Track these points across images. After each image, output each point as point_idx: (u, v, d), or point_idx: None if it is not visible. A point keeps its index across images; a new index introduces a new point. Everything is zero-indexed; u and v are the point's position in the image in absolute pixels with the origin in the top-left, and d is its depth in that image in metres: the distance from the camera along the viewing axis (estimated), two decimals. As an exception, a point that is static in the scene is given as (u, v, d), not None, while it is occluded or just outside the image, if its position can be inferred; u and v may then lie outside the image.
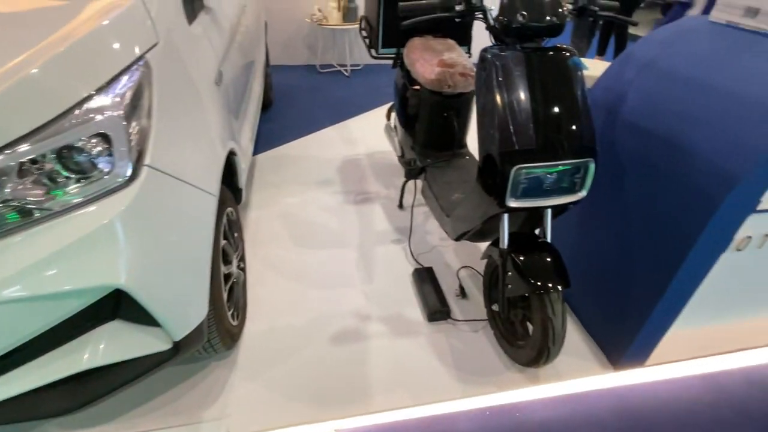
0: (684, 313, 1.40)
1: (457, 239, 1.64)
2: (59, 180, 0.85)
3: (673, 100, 1.29)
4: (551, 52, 1.23)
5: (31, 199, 0.83)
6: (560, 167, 1.21)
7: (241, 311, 1.58)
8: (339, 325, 1.68)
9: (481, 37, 2.29)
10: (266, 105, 3.34)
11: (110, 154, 0.88)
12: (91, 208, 0.87)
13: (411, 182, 2.26)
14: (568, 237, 1.68)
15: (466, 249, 2.10)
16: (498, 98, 1.21)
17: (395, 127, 2.45)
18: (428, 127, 1.96)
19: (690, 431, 1.44)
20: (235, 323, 1.47)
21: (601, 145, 1.44)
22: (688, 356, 1.64)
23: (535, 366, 1.41)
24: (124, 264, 0.87)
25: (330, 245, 2.09)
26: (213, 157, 1.21)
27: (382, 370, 1.52)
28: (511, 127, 1.20)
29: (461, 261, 2.03)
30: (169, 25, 1.19)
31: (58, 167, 0.85)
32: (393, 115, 2.57)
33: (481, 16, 1.28)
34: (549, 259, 1.31)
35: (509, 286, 1.39)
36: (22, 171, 0.82)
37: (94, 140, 0.87)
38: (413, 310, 1.76)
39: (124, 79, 0.95)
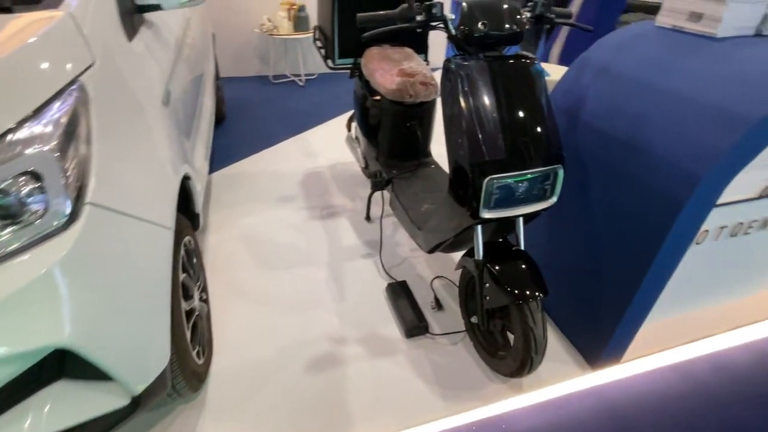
0: (653, 308, 1.44)
1: (430, 252, 1.61)
2: None
3: (630, 103, 1.32)
4: (514, 61, 1.22)
5: None
6: (530, 175, 1.21)
7: (206, 347, 1.47)
8: (313, 351, 1.59)
9: (438, 44, 2.30)
10: (219, 120, 3.19)
11: (43, 194, 0.77)
12: (25, 257, 0.75)
13: (378, 193, 2.22)
14: (538, 241, 1.69)
15: (437, 259, 2.08)
16: (465, 109, 1.19)
17: (357, 138, 2.40)
18: (392, 137, 1.92)
19: (666, 422, 1.48)
20: (200, 362, 1.35)
21: (565, 150, 1.46)
22: (659, 347, 1.69)
23: (519, 376, 1.39)
24: (66, 319, 0.76)
25: (297, 265, 2.00)
26: (165, 186, 1.11)
27: (363, 396, 1.45)
28: (480, 137, 1.18)
29: (434, 271, 2.00)
30: (106, 43, 1.08)
31: None
32: (354, 125, 2.52)
33: (442, 26, 1.25)
34: (525, 268, 1.30)
35: (488, 297, 1.37)
36: None
37: (22, 179, 0.75)
38: (390, 327, 1.71)
39: (56, 105, 0.84)
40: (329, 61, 2.16)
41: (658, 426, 1.44)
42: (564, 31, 3.53)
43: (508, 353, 1.44)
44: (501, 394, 1.48)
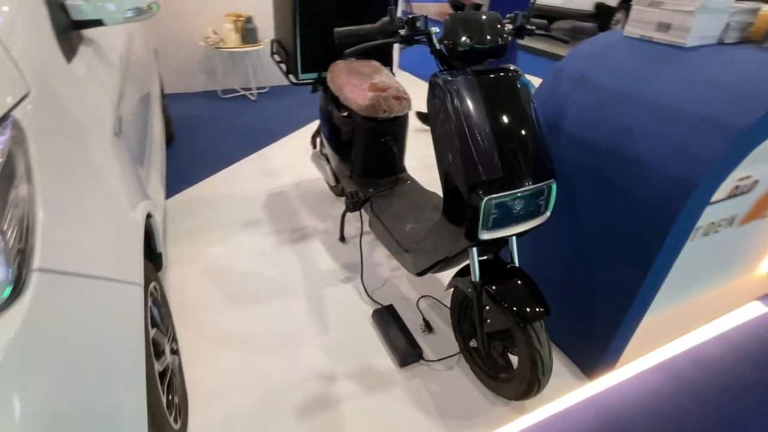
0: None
1: (420, 274, 1.53)
2: None
3: (614, 114, 1.32)
4: (502, 74, 1.18)
5: None
6: (527, 192, 1.16)
7: (182, 407, 1.29)
8: (301, 394, 1.46)
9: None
10: (167, 141, 2.94)
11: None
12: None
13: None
14: (526, 254, 1.66)
15: (420, 278, 2.00)
16: (457, 127, 1.13)
17: (325, 155, 2.28)
18: (366, 155, 1.83)
19: (661, 424, 1.48)
20: (177, 426, 1.18)
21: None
22: (645, 347, 1.72)
23: (525, 399, 1.34)
24: (21, 419, 0.59)
25: (271, 298, 1.84)
26: (128, 233, 0.94)
27: (363, 438, 1.34)
28: (475, 156, 1.12)
29: (417, 291, 1.92)
30: (42, 67, 0.90)
31: None
32: (320, 141, 2.40)
33: (425, 40, 1.19)
34: (525, 287, 1.25)
35: (488, 320, 1.31)
36: None
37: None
38: (381, 357, 1.60)
39: None
40: (291, 77, 2.03)
41: (653, 427, 1.44)
42: None
43: (511, 375, 1.38)
44: (506, 417, 1.42)
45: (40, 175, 0.74)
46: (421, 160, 3.02)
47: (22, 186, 0.70)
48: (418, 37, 1.17)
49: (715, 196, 1.29)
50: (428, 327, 1.71)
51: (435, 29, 1.18)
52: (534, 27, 1.30)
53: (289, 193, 2.62)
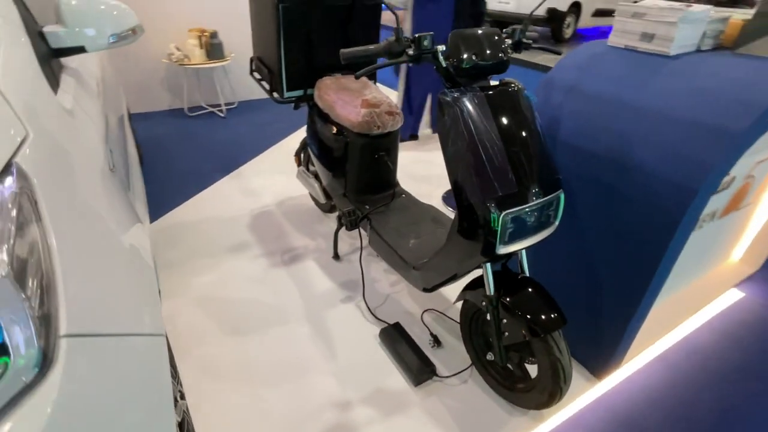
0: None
1: (428, 290, 1.52)
2: None
3: (608, 121, 1.37)
4: (507, 89, 1.19)
5: None
6: (540, 205, 1.17)
7: (196, 455, 1.21)
8: (316, 425, 1.40)
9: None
10: (137, 165, 2.79)
11: (1, 341, 0.53)
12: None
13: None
14: (532, 264, 1.68)
15: (418, 290, 1.98)
16: (470, 144, 1.13)
17: (313, 172, 2.23)
18: (360, 171, 1.80)
19: (665, 416, 1.53)
20: (195, 477, 1.10)
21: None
22: (645, 341, 1.78)
23: (547, 407, 1.35)
24: None
25: (271, 324, 1.77)
26: (144, 280, 0.87)
27: (389, 466, 1.30)
28: (489, 172, 1.12)
29: (420, 304, 1.90)
30: (36, 105, 0.82)
31: None
32: (304, 158, 2.35)
33: (430, 58, 1.18)
34: (540, 297, 1.27)
35: (506, 333, 1.31)
36: None
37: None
38: (394, 377, 1.57)
39: None
40: (276, 95, 1.97)
41: (659, 421, 1.49)
42: None
43: (529, 385, 1.39)
44: (525, 426, 1.43)
45: (54, 227, 0.67)
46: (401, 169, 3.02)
47: (38, 243, 0.63)
48: (424, 56, 1.16)
49: (707, 196, 1.36)
50: (437, 341, 1.70)
51: (441, 47, 1.17)
52: (531, 41, 1.32)
53: (274, 213, 2.54)
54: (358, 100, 1.72)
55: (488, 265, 1.28)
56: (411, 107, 3.44)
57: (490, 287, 1.30)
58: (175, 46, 3.65)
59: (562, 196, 1.24)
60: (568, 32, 8.77)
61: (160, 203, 2.59)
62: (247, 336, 1.71)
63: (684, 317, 1.92)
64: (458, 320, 1.81)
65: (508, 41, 1.28)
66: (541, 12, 8.14)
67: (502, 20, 9.25)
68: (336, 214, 2.51)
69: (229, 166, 3.06)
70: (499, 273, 1.35)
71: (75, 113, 1.02)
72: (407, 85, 3.35)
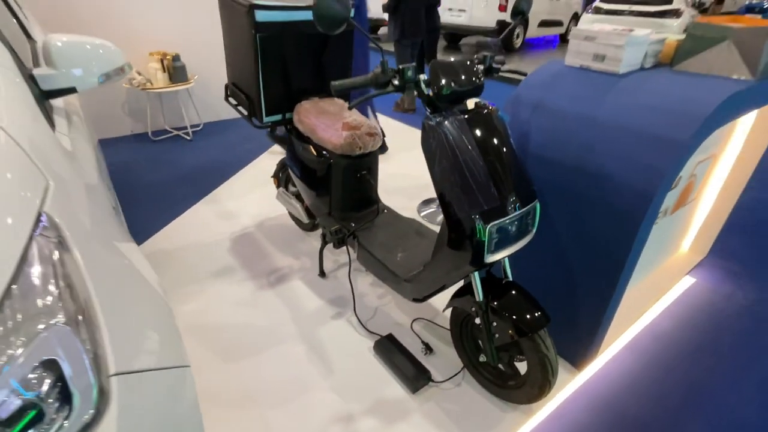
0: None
1: (419, 301, 1.60)
2: None
3: (572, 134, 1.51)
4: (484, 112, 1.30)
5: None
6: (520, 215, 1.29)
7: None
8: (325, 439, 1.45)
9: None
10: (106, 195, 2.72)
11: (63, 383, 0.57)
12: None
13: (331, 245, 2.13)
14: (513, 268, 1.80)
15: (404, 300, 2.07)
16: (454, 164, 1.23)
17: (294, 194, 2.27)
18: (345, 191, 1.87)
19: (640, 398, 1.69)
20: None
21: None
22: (617, 330, 1.94)
23: (538, 400, 1.45)
24: None
25: (265, 347, 1.80)
26: (164, 313, 0.90)
27: (397, 472, 1.36)
28: (474, 188, 1.22)
29: (409, 315, 1.98)
30: (47, 152, 0.85)
31: None
32: (284, 179, 2.39)
33: (414, 87, 1.28)
34: (524, 299, 1.38)
35: (496, 335, 1.42)
36: None
37: (36, 373, 0.54)
38: (391, 387, 1.64)
39: (34, 264, 0.62)
40: (255, 120, 2.02)
41: (634, 401, 1.64)
42: None
43: (520, 381, 1.50)
44: (519, 420, 1.53)
45: (88, 274, 0.70)
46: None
47: (79, 289, 0.66)
48: (409, 85, 1.25)
49: (661, 196, 1.52)
50: (428, 349, 1.78)
51: (423, 76, 1.27)
52: (500, 66, 1.45)
53: (255, 235, 2.55)
54: (339, 123, 1.79)
55: (476, 273, 1.38)
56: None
57: (479, 293, 1.40)
58: (137, 71, 3.58)
59: (538, 206, 1.36)
60: (517, 42, 9.25)
61: (135, 232, 2.54)
62: (244, 361, 1.73)
63: (647, 306, 2.11)
64: (446, 327, 1.91)
65: (481, 67, 1.40)
66: (491, 24, 8.55)
67: (456, 32, 9.64)
68: (318, 232, 2.56)
69: (202, 190, 3.04)
70: (485, 279, 1.45)
71: (76, 154, 1.04)
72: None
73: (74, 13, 3.37)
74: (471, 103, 1.38)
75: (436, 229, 1.81)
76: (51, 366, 0.56)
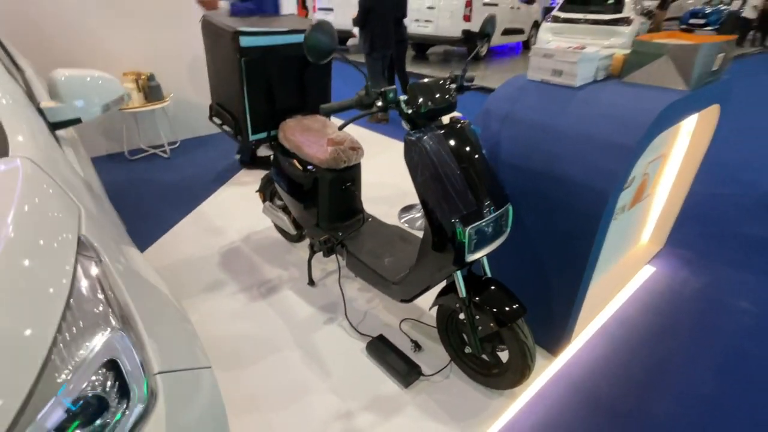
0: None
1: (407, 301, 1.73)
2: None
3: (538, 143, 1.68)
4: (459, 126, 1.45)
5: None
6: (495, 217, 1.44)
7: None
8: (327, 436, 1.54)
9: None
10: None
11: (121, 381, 0.66)
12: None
13: (320, 253, 2.23)
14: (492, 265, 1.95)
15: (393, 303, 2.19)
16: (434, 175, 1.37)
17: (281, 207, 2.37)
18: (331, 202, 1.98)
19: (610, 379, 1.86)
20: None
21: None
22: (586, 317, 2.12)
23: (519, 384, 1.60)
24: None
25: (262, 355, 1.88)
26: (182, 316, 0.99)
27: (396, 460, 1.47)
28: (453, 195, 1.36)
29: (396, 315, 2.10)
30: (68, 178, 0.93)
31: None
32: (269, 193, 2.48)
33: (395, 107, 1.41)
34: (503, 293, 1.52)
35: (480, 327, 1.56)
36: None
37: (100, 373, 0.63)
38: (385, 383, 1.75)
39: (83, 281, 0.72)
40: (240, 138, 2.11)
41: (605, 382, 1.81)
42: None
43: (503, 369, 1.64)
44: (504, 405, 1.67)
45: (125, 286, 0.79)
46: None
47: (121, 301, 0.75)
48: (391, 106, 1.39)
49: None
50: (417, 346, 1.91)
51: (403, 97, 1.41)
52: (470, 83, 1.61)
53: (242, 248, 2.62)
54: (324, 139, 1.91)
55: (458, 272, 1.52)
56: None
57: (462, 290, 1.53)
58: (112, 92, 3.59)
59: (510, 208, 1.52)
60: (483, 50, 9.59)
61: (121, 252, 2.56)
62: (243, 369, 1.80)
63: (613, 295, 2.30)
64: (433, 325, 2.04)
65: (453, 86, 1.55)
66: (457, 33, 8.85)
67: (423, 42, 9.92)
68: (305, 243, 2.65)
69: (184, 208, 3.08)
70: (466, 277, 1.59)
71: (90, 181, 1.12)
72: None
73: (45, 36, 3.36)
74: (446, 119, 1.53)
75: (417, 234, 1.94)
76: (111, 365, 0.65)
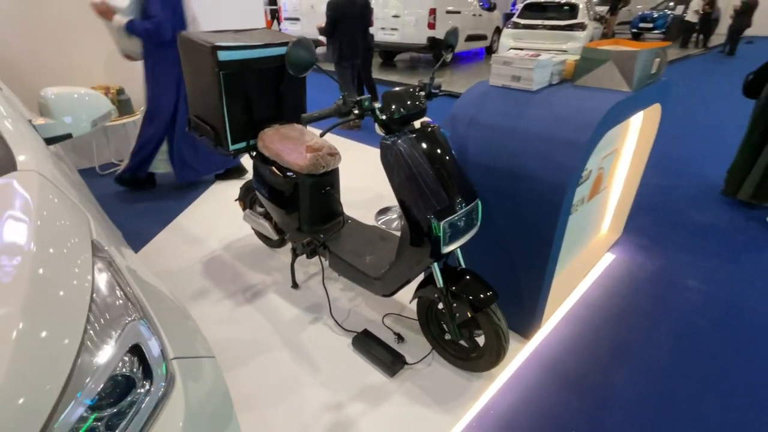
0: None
1: (389, 295, 1.84)
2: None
3: (502, 143, 1.84)
4: (429, 130, 1.58)
5: None
6: (466, 212, 1.57)
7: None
8: (321, 427, 1.63)
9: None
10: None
11: (144, 364, 0.74)
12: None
13: (304, 255, 2.30)
14: (466, 257, 2.09)
15: (374, 300, 2.29)
16: (409, 175, 1.49)
17: (262, 213, 2.44)
18: (312, 206, 2.08)
19: (580, 358, 2.02)
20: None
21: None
22: (554, 302, 2.28)
23: (496, 365, 1.73)
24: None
25: (253, 357, 1.94)
26: (182, 310, 1.07)
27: (386, 443, 1.57)
28: (428, 193, 1.49)
29: (377, 311, 2.21)
30: (71, 189, 1.00)
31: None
32: (249, 201, 2.54)
33: (371, 114, 1.53)
34: (477, 281, 1.66)
35: (457, 314, 1.68)
36: None
37: (126, 358, 0.71)
38: (372, 374, 1.85)
39: (101, 279, 0.79)
40: (220, 148, 2.17)
41: (574, 361, 1.97)
42: None
43: (480, 353, 1.77)
44: (483, 387, 1.80)
45: (135, 281, 0.87)
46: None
47: (134, 295, 0.83)
48: (366, 113, 1.50)
49: (575, 188, 1.88)
50: (400, 338, 2.02)
51: (377, 104, 1.53)
52: (438, 90, 1.75)
53: (224, 256, 2.67)
54: (303, 146, 2.00)
55: (435, 264, 1.64)
56: (138, 149, 3.32)
57: (439, 281, 1.66)
58: (80, 107, 3.56)
59: (479, 203, 1.66)
60: (447, 59, 9.89)
61: (101, 267, 2.56)
62: (236, 371, 1.87)
63: (578, 280, 2.49)
64: (413, 318, 2.16)
65: (422, 93, 1.68)
66: (422, 41, 9.10)
67: (390, 50, 10.14)
68: (286, 248, 2.73)
69: (163, 219, 3.09)
70: (443, 269, 1.72)
71: (81, 190, 1.18)
72: (142, 128, 3.26)
73: (9, 53, 3.31)
74: (418, 123, 1.66)
75: (395, 233, 2.06)
76: (135, 350, 0.73)
